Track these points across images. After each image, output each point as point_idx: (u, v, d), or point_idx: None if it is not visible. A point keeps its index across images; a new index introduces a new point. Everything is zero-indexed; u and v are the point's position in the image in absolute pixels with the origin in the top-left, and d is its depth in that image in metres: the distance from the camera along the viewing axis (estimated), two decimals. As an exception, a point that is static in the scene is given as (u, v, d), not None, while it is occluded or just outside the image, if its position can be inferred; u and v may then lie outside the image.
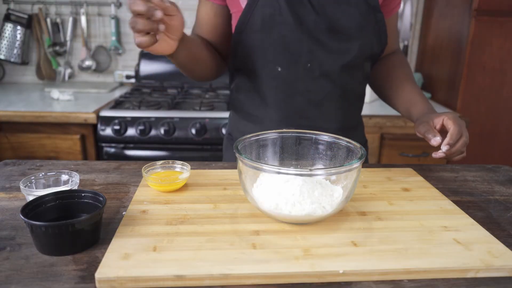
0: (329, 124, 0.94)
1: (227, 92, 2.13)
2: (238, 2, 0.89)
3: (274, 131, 0.74)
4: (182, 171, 0.78)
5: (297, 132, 0.75)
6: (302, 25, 0.85)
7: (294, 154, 0.75)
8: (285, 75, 0.89)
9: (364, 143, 1.08)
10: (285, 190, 0.62)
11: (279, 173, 0.58)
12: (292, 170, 0.58)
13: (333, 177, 0.66)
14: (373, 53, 0.94)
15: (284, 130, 0.75)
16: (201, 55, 0.91)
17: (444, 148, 0.76)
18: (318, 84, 0.90)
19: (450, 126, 0.77)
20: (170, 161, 0.80)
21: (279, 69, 0.89)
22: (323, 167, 0.73)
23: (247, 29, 0.88)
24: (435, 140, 0.76)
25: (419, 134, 0.81)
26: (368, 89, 1.97)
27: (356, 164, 0.61)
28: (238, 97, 1.00)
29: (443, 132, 0.79)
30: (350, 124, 1.00)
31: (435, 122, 0.80)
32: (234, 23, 0.92)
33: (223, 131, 1.70)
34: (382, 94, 1.04)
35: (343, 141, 0.71)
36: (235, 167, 0.88)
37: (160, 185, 0.73)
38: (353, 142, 0.69)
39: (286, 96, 0.91)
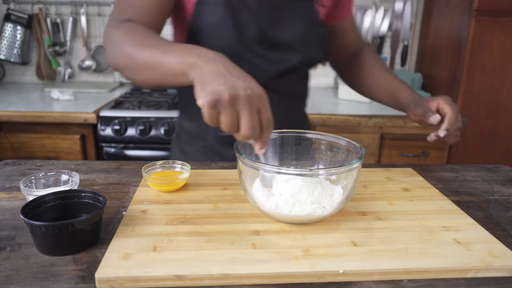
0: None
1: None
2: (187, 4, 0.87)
3: (274, 131, 0.74)
4: (182, 171, 0.78)
5: (297, 132, 0.75)
6: (243, 36, 0.85)
7: (294, 154, 0.75)
8: None
9: None
10: (285, 190, 0.62)
11: (279, 173, 0.58)
12: (292, 170, 0.58)
13: (333, 177, 0.66)
14: (315, 62, 0.98)
15: (284, 130, 0.75)
16: None
17: (442, 133, 0.78)
18: None
19: (447, 110, 0.79)
20: (170, 161, 0.80)
21: None
22: (323, 167, 0.73)
23: (195, 39, 0.87)
24: (435, 118, 0.78)
25: (416, 117, 0.83)
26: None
27: (356, 164, 0.61)
28: (185, 98, 1.00)
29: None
30: (294, 125, 0.99)
31: (431, 105, 0.81)
32: (184, 29, 0.91)
33: (223, 131, 1.70)
34: (364, 91, 1.06)
35: (343, 141, 0.71)
36: (235, 167, 0.88)
37: (160, 185, 0.73)
38: (353, 142, 0.69)
39: None
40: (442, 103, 0.80)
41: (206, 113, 0.55)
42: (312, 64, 1.01)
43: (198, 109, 0.71)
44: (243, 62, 0.85)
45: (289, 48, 0.91)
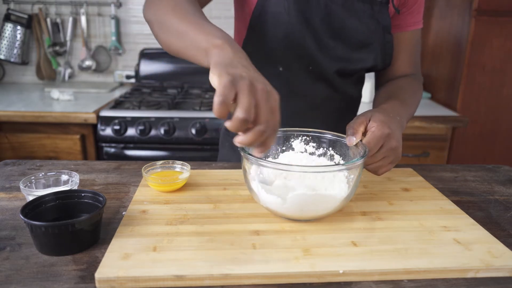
0: (325, 127, 0.92)
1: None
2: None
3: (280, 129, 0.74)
4: (182, 171, 0.78)
5: (301, 131, 0.75)
6: (308, 27, 0.85)
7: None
8: (286, 76, 0.89)
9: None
10: (289, 186, 0.62)
11: (283, 170, 0.59)
12: (296, 167, 0.59)
13: (336, 174, 0.65)
14: (374, 69, 0.94)
15: (288, 128, 0.75)
16: None
17: (350, 139, 0.67)
18: (317, 87, 0.90)
19: (373, 129, 0.67)
20: (170, 161, 0.80)
21: (281, 69, 0.89)
22: (327, 164, 0.73)
23: (258, 26, 0.87)
24: (349, 140, 0.67)
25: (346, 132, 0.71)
26: (368, 89, 1.98)
27: (359, 161, 0.61)
28: None
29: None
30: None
31: (359, 121, 0.69)
32: (246, 17, 0.90)
33: (223, 131, 1.70)
34: None
35: (345, 139, 0.71)
36: (235, 167, 0.88)
37: (160, 185, 0.73)
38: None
39: (283, 96, 0.89)
40: (372, 122, 0.68)
41: (221, 92, 0.48)
42: (370, 70, 0.95)
43: None
44: (304, 54, 0.86)
45: (352, 47, 0.88)
